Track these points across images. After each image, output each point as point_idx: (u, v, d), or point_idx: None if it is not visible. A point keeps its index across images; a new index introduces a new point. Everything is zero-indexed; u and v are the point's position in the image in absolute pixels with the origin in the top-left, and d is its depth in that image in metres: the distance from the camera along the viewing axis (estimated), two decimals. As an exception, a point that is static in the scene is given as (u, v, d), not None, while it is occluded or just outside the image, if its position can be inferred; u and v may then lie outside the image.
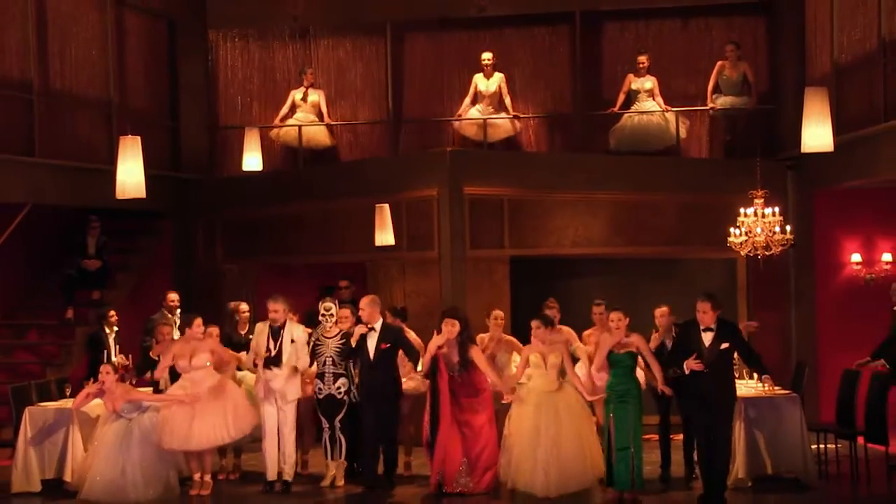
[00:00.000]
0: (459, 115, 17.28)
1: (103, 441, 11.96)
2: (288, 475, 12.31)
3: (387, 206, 14.66)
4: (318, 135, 17.64)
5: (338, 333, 12.49)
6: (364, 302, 12.45)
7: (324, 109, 17.66)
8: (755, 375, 12.85)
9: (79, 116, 15.93)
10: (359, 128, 18.18)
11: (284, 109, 17.65)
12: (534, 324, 11.97)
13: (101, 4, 16.38)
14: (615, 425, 11.45)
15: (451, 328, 11.95)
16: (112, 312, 14.29)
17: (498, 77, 17.09)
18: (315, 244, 16.68)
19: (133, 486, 11.76)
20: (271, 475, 12.31)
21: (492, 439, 12.00)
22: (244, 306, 14.25)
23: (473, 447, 11.92)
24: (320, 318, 12.58)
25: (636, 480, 11.44)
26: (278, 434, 12.24)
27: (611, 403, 11.51)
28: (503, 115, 17.01)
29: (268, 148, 17.34)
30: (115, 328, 14.26)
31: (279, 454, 12.27)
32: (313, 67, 18.03)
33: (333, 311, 12.59)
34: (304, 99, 17.58)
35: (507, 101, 17.10)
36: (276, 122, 17.64)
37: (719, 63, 16.82)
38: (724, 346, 11.05)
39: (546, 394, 11.76)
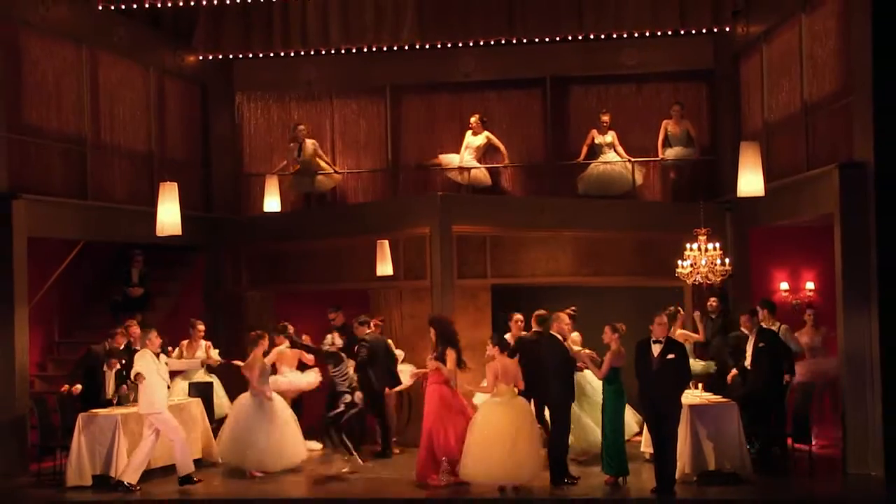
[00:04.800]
0: (452, 166, 17.31)
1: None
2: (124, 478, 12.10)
3: (386, 241, 14.73)
4: (322, 179, 17.67)
5: None
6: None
7: (320, 153, 17.63)
8: (699, 385, 13.05)
9: (125, 165, 15.96)
10: (362, 175, 18.19)
11: (282, 164, 17.51)
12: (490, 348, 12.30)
13: (144, 72, 16.48)
14: None
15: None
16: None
17: (485, 135, 17.12)
18: (325, 274, 16.67)
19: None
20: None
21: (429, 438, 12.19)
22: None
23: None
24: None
25: (604, 465, 11.90)
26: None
27: None
28: (478, 165, 17.08)
29: (285, 192, 17.42)
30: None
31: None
32: (321, 123, 18.10)
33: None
34: (301, 153, 17.45)
35: (501, 147, 17.18)
36: (276, 171, 17.45)
37: (665, 121, 16.91)
38: (670, 356, 11.30)
39: (501, 403, 11.87)
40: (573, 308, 13.49)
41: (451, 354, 12.36)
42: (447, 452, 12.01)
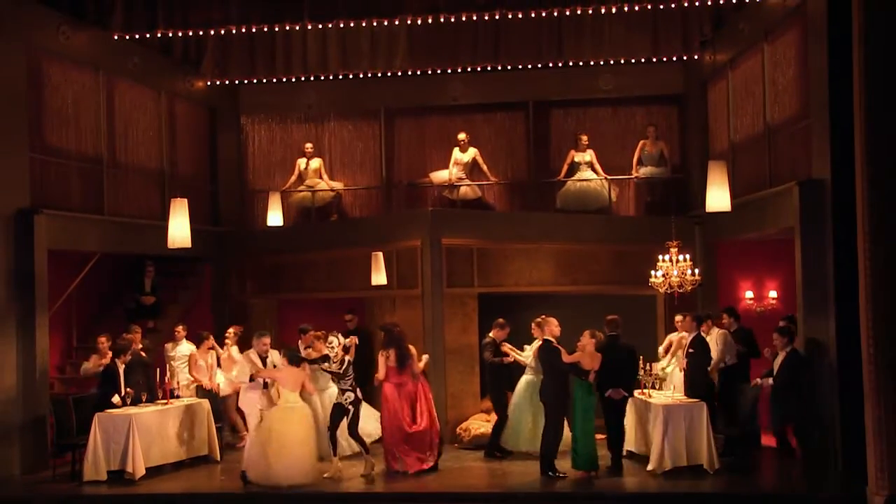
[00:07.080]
0: (441, 182, 17.35)
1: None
2: None
3: (381, 253, 14.73)
4: (322, 193, 17.70)
5: None
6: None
7: (323, 171, 17.70)
8: (672, 387, 13.07)
9: (138, 183, 15.97)
10: (358, 191, 18.23)
11: (293, 178, 17.66)
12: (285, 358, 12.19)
13: (156, 96, 16.50)
14: None
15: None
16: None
17: (473, 151, 17.18)
18: (324, 283, 16.70)
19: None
20: None
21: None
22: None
23: None
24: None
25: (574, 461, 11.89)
26: None
27: None
28: (467, 181, 17.11)
29: (287, 207, 17.45)
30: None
31: None
32: (320, 144, 18.08)
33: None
34: (307, 167, 17.61)
35: (485, 168, 17.22)
36: (287, 186, 17.60)
37: (641, 141, 16.98)
38: None
39: (285, 409, 11.91)
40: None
41: (382, 357, 12.68)
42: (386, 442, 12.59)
